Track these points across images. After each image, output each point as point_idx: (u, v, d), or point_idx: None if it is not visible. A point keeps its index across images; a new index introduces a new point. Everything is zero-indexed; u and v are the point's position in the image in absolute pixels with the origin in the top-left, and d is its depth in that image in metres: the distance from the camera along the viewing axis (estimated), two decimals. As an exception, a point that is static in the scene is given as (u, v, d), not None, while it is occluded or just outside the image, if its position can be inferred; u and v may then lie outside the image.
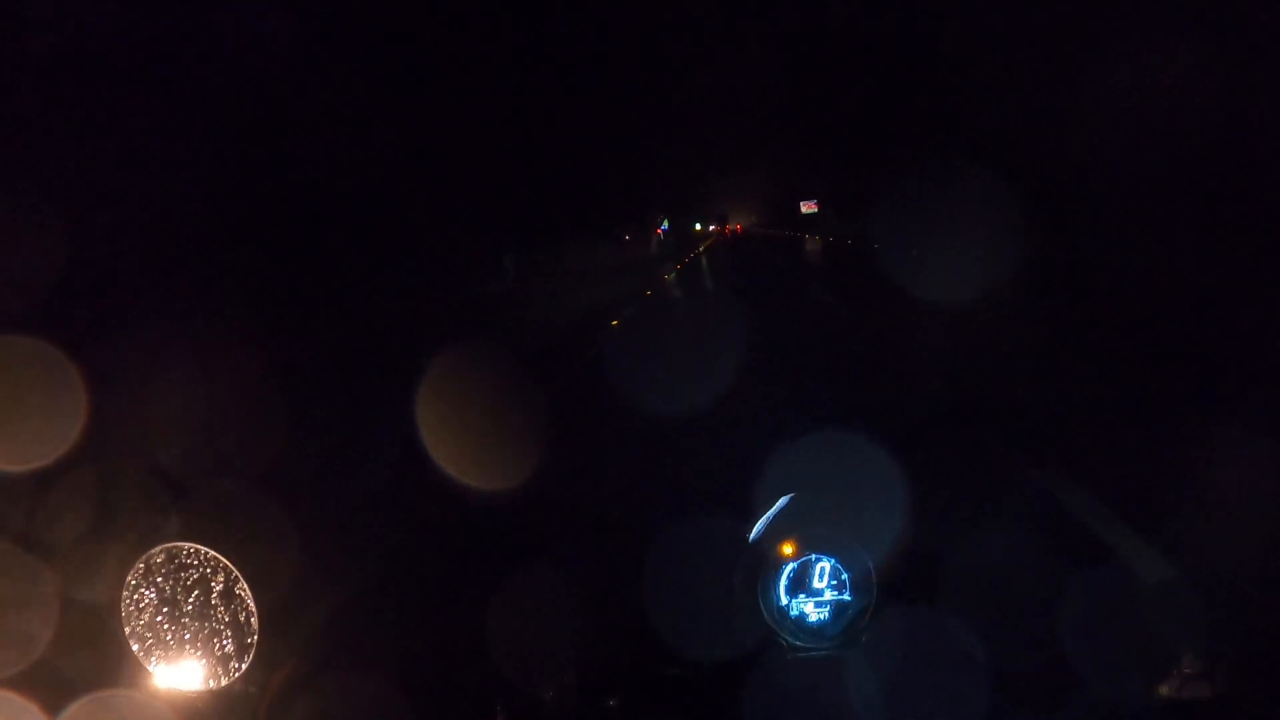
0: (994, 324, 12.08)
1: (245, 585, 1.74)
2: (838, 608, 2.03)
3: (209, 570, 1.74)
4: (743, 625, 2.02)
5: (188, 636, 1.73)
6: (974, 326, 12.04)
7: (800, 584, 2.04)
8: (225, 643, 1.74)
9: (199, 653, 1.73)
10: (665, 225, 70.97)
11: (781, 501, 2.08)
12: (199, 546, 1.73)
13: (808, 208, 69.42)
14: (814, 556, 2.04)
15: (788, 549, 2.04)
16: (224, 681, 1.74)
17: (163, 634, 1.72)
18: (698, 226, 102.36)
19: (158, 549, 1.73)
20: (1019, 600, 2.09)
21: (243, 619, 1.74)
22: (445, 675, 2.14)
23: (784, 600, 2.03)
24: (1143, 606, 2.01)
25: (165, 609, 1.73)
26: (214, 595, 1.74)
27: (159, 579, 1.73)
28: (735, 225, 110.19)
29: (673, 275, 37.28)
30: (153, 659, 1.73)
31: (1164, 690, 1.85)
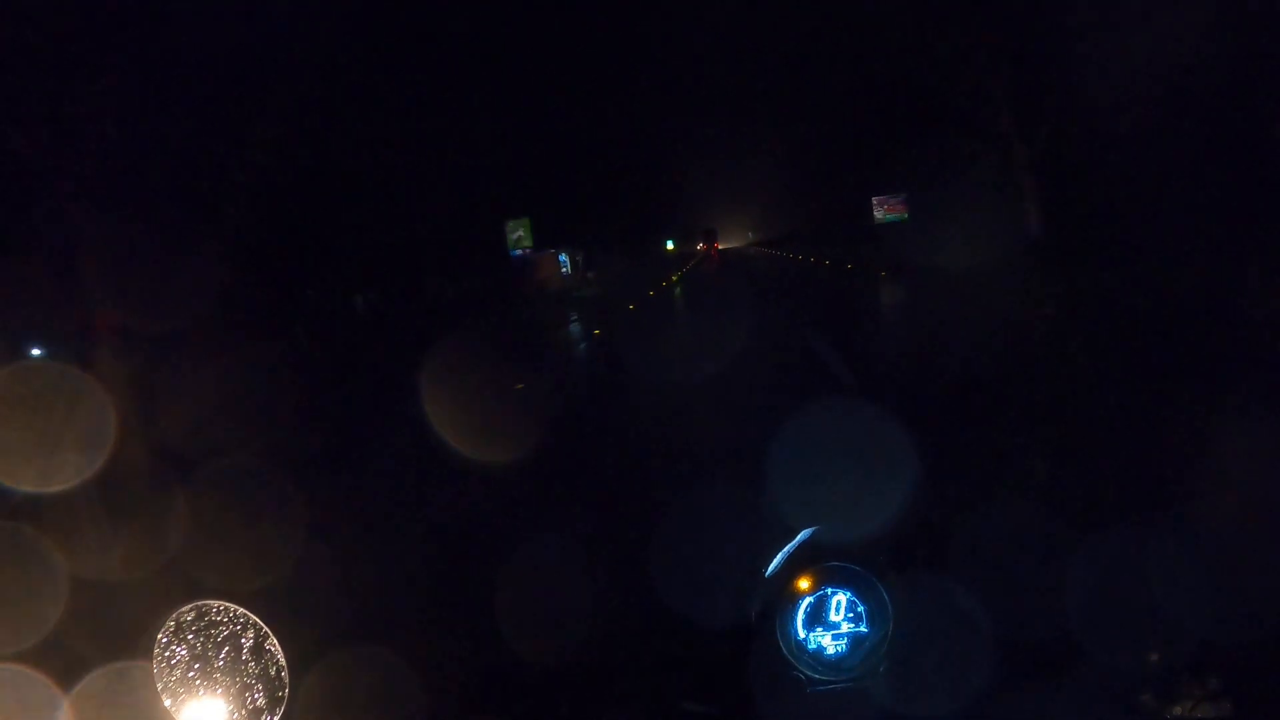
0: (1006, 309, 12.04)
1: (275, 641, 1.77)
2: (855, 640, 2.06)
3: (239, 627, 1.77)
4: (760, 658, 2.05)
5: (220, 691, 1.76)
6: (987, 312, 11.99)
7: (817, 617, 2.07)
8: (257, 696, 1.77)
9: (231, 707, 1.76)
10: (561, 258, 43.17)
11: (800, 536, 2.10)
12: (229, 605, 1.76)
13: (890, 210, 39.67)
14: (830, 590, 2.07)
15: (804, 583, 2.06)
16: (257, 734, 1.77)
17: (195, 690, 1.76)
18: (670, 246, 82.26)
19: (188, 607, 1.76)
20: (1028, 577, 2.12)
21: (273, 673, 1.77)
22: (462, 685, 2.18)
23: (801, 634, 2.06)
24: (1148, 582, 2.05)
25: (197, 665, 1.76)
26: (244, 651, 1.77)
27: (190, 636, 1.75)
28: (715, 245, 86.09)
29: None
30: (185, 713, 1.76)
31: (1177, 710, 1.89)
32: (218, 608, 1.76)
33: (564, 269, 44.25)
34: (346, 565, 5.15)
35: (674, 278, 51.30)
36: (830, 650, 2.06)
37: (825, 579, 2.07)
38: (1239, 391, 6.18)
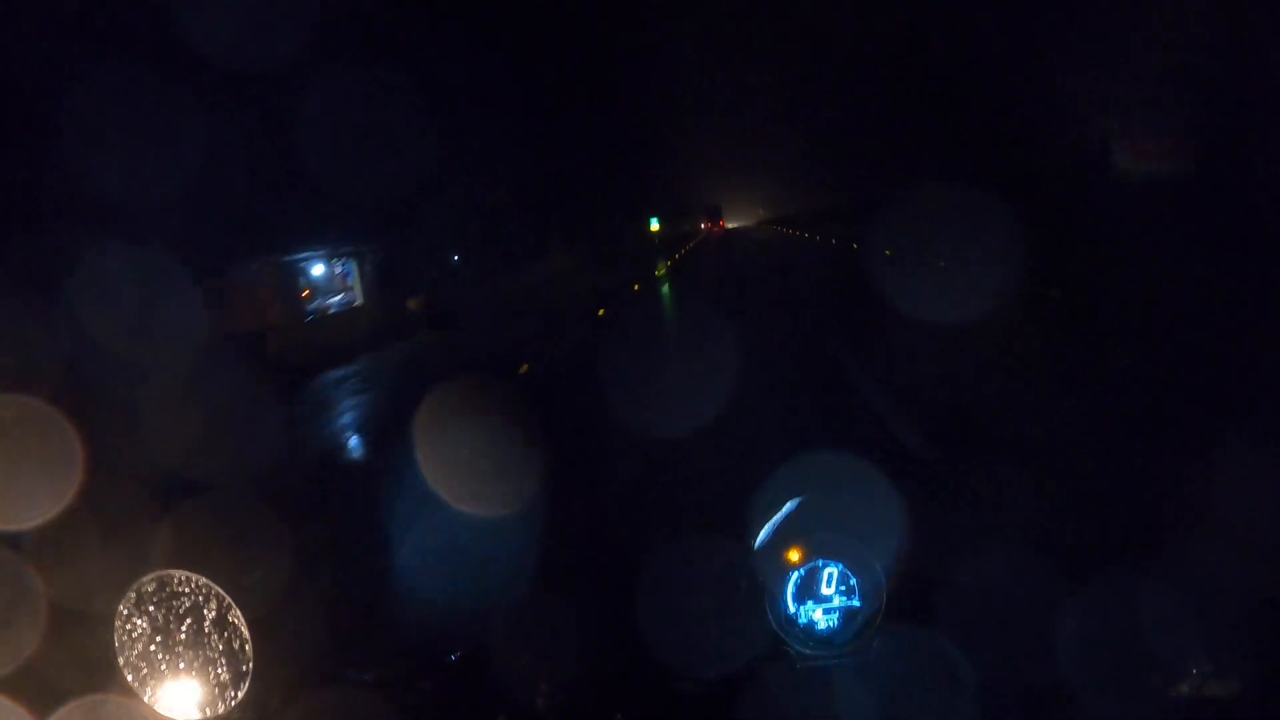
0: (994, 335, 11.92)
1: (238, 612, 1.70)
2: (847, 614, 1.99)
3: (201, 598, 1.69)
4: (749, 634, 1.98)
5: (182, 665, 1.69)
6: (974, 338, 11.86)
7: (808, 591, 1.99)
8: (220, 671, 1.69)
9: (194, 681, 1.69)
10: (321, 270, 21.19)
11: (787, 506, 2.03)
12: (191, 574, 1.68)
13: (1141, 153, 19.24)
14: (821, 562, 2.00)
15: (794, 555, 1.99)
16: (220, 710, 1.69)
17: (157, 663, 1.68)
18: (655, 225, 66.21)
19: (149, 577, 1.69)
20: (1016, 618, 2.06)
21: (237, 646, 1.70)
22: (443, 692, 2.10)
23: (791, 608, 1.99)
24: (1142, 627, 1.99)
25: (158, 638, 1.68)
26: (207, 623, 1.69)
27: (151, 607, 1.68)
28: (720, 223, 67.59)
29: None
30: (147, 688, 1.68)
31: (1183, 689, 1.82)
32: (179, 578, 1.69)
33: (329, 296, 21.18)
34: (330, 597, 5.06)
35: (659, 272, 33.49)
36: (821, 625, 1.99)
37: (817, 551, 2.00)
38: (1232, 425, 6.14)
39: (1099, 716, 1.83)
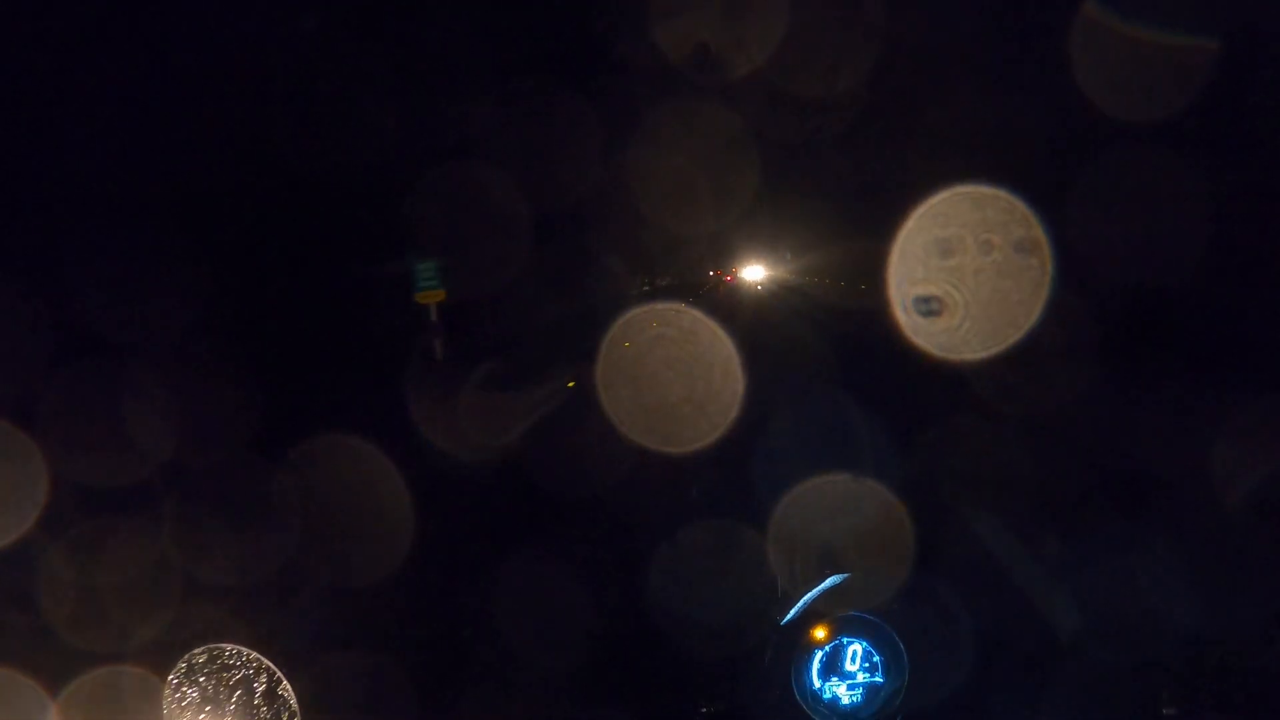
0: (1003, 321, 11.91)
1: (288, 686, 1.74)
2: (870, 690, 2.05)
3: (252, 670, 1.74)
4: (773, 707, 2.04)
5: (231, 735, 1.73)
6: (980, 324, 11.84)
7: (833, 667, 2.06)
8: (268, 742, 1.74)
9: (242, 752, 1.73)
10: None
11: (823, 584, 2.10)
12: (243, 649, 1.73)
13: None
14: (845, 640, 2.06)
15: (820, 633, 2.05)
16: (267, 779, 1.74)
17: (205, 733, 1.72)
18: (429, 286, 11.44)
19: (200, 649, 1.73)
20: (1019, 576, 2.12)
21: (285, 718, 1.74)
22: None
23: (817, 684, 2.05)
24: (1139, 584, 2.05)
25: (208, 708, 1.72)
26: (257, 695, 1.74)
27: (202, 678, 1.72)
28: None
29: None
30: (194, 756, 1.73)
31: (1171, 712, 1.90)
32: (231, 650, 1.73)
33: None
34: (338, 569, 5.11)
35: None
36: (845, 700, 2.05)
37: (841, 629, 2.06)
38: (1228, 393, 6.19)
39: (1097, 671, 1.89)
